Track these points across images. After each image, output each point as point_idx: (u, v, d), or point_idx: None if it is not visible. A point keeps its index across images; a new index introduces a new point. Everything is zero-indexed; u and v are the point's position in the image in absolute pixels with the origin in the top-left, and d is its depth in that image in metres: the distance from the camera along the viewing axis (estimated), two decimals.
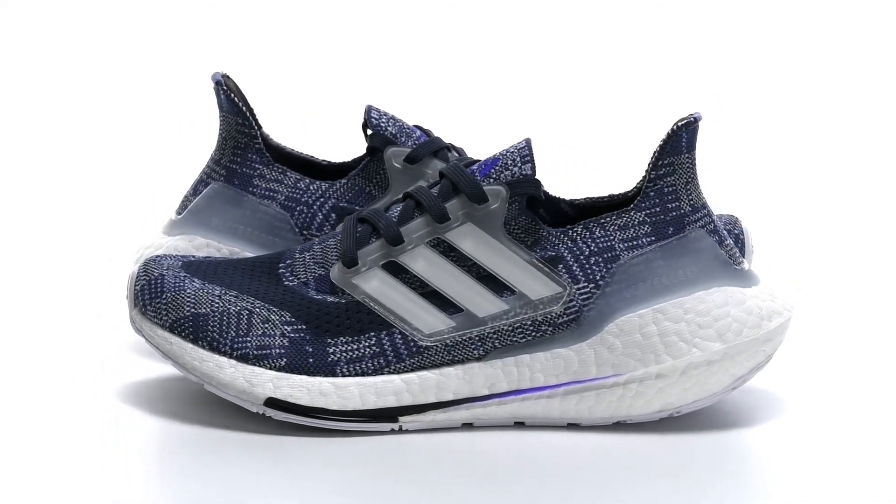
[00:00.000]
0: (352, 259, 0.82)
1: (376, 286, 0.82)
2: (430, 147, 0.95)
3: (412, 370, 0.82)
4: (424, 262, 0.82)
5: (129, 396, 0.87)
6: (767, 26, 1.64)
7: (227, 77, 0.98)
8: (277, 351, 0.82)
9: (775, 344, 0.82)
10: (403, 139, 0.96)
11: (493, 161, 0.82)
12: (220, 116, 0.98)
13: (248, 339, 0.82)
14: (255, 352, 0.82)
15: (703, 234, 0.82)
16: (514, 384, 0.82)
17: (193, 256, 0.88)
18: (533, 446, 0.81)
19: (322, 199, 0.96)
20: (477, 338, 0.81)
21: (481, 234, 0.81)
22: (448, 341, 0.81)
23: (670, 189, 0.81)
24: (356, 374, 0.82)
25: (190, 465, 0.78)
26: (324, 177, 0.99)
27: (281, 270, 0.84)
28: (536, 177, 0.82)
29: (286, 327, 0.82)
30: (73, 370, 0.92)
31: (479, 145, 1.04)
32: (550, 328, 0.81)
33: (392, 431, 0.82)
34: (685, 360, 0.81)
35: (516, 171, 0.81)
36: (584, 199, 0.85)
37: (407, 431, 0.83)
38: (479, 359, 0.82)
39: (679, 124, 0.81)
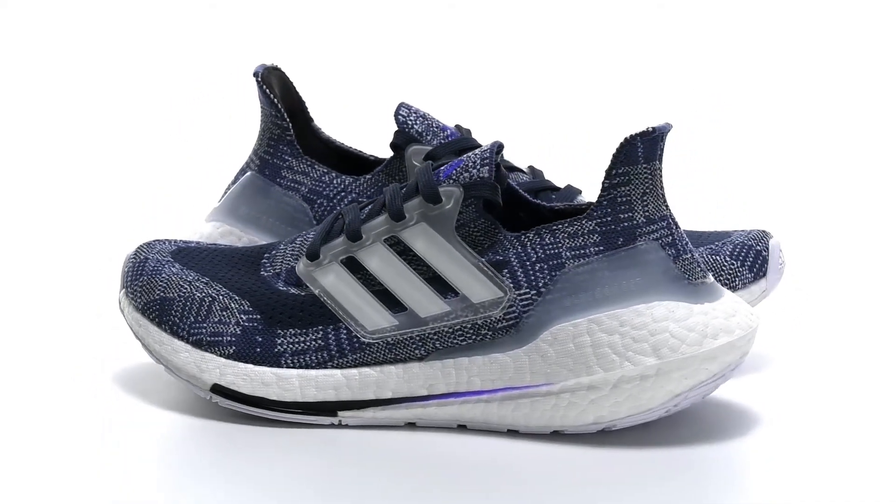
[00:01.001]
0: (314, 252, 0.84)
1: (332, 281, 0.83)
2: (452, 147, 0.95)
3: (354, 366, 0.82)
4: (378, 260, 0.82)
5: (129, 396, 0.88)
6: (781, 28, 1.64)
7: (275, 69, 1.00)
8: (228, 339, 0.83)
9: (723, 363, 0.79)
10: (430, 137, 0.96)
11: (458, 163, 0.83)
12: (260, 108, 1.00)
13: (205, 325, 0.84)
14: (209, 338, 0.84)
15: (656, 246, 0.80)
16: (453, 387, 0.82)
17: (196, 242, 0.91)
18: (471, 450, 0.81)
19: (343, 194, 0.97)
20: (418, 338, 0.81)
21: (433, 234, 0.81)
22: (390, 339, 0.82)
23: (624, 199, 0.80)
24: (299, 367, 0.83)
25: (189, 463, 0.79)
26: (360, 173, 1.01)
27: (263, 261, 0.86)
28: (493, 180, 0.81)
29: (242, 316, 0.84)
30: (74, 370, 0.94)
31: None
32: (490, 332, 0.81)
33: (332, 426, 0.83)
34: (617, 374, 0.79)
35: (475, 173, 0.81)
36: (565, 204, 0.85)
37: (347, 426, 0.83)
38: (420, 359, 0.82)
39: (634, 134, 0.80)
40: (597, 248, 0.80)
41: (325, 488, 0.76)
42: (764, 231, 0.94)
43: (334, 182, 0.97)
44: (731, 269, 0.92)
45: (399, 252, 0.82)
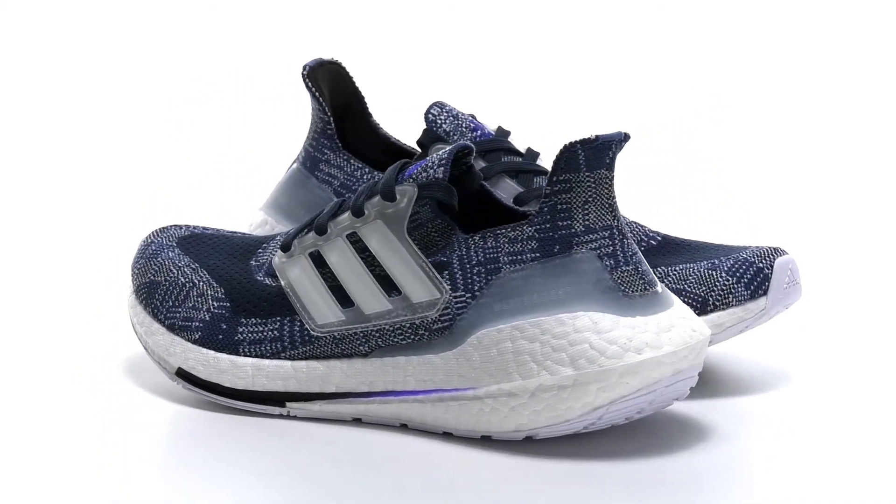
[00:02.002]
0: (287, 245, 0.86)
1: (296, 273, 0.85)
2: (476, 147, 0.95)
3: (303, 358, 0.84)
4: (338, 255, 0.83)
5: (128, 396, 0.89)
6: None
7: (330, 63, 1.00)
8: (196, 324, 0.86)
9: (648, 379, 0.77)
10: (456, 137, 0.96)
11: (422, 162, 0.83)
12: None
13: (180, 309, 0.87)
14: (180, 322, 0.87)
15: (592, 256, 0.78)
16: (391, 385, 0.82)
17: (214, 229, 0.94)
18: (407, 449, 0.81)
19: None
20: (362, 334, 0.82)
21: (386, 232, 0.82)
22: (336, 334, 0.83)
23: (564, 207, 0.78)
24: (255, 356, 0.85)
25: (187, 462, 0.81)
26: None
27: (259, 251, 0.88)
28: (447, 181, 0.81)
29: (214, 303, 0.86)
30: (73, 370, 0.94)
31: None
32: (427, 333, 0.80)
33: (281, 416, 0.85)
34: (535, 382, 0.77)
35: (431, 173, 0.81)
36: (539, 208, 0.84)
37: (295, 418, 0.84)
38: (364, 355, 0.82)
39: (574, 141, 0.78)
40: (533, 255, 0.78)
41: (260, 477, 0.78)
42: (776, 249, 0.90)
43: (365, 178, 0.98)
44: (725, 285, 0.88)
45: (357, 248, 0.83)
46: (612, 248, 0.78)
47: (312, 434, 0.83)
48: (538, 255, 0.78)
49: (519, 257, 0.79)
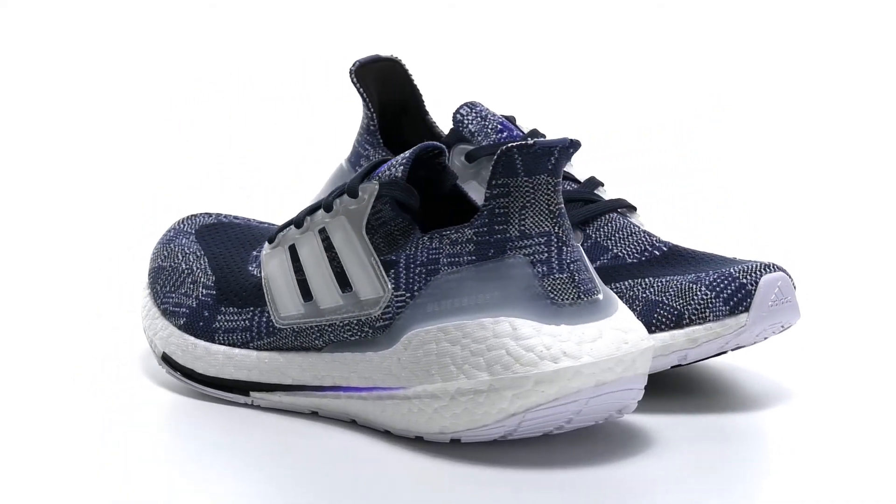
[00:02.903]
0: (272, 237, 0.88)
1: (273, 265, 0.86)
2: (492, 149, 0.94)
3: (267, 349, 0.85)
4: (307, 249, 0.85)
5: (129, 396, 0.90)
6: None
7: (386, 60, 1.01)
8: (183, 310, 0.89)
9: (566, 388, 0.75)
10: (480, 138, 0.95)
11: (391, 161, 0.83)
12: None
13: (174, 295, 0.90)
14: (172, 308, 0.90)
15: (523, 262, 0.77)
16: (338, 380, 0.83)
17: (244, 219, 0.97)
18: (349, 444, 0.82)
19: None
20: (317, 328, 0.83)
21: (348, 228, 0.83)
22: (296, 327, 0.84)
23: (501, 211, 0.78)
24: (227, 344, 0.87)
25: (189, 466, 0.81)
26: None
27: (266, 242, 0.91)
28: (405, 181, 0.81)
29: (203, 290, 0.89)
30: (73, 370, 0.95)
31: None
32: (371, 331, 0.81)
33: (246, 405, 0.87)
34: (454, 385, 0.77)
35: (392, 172, 0.82)
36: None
37: (258, 407, 0.86)
38: (318, 350, 0.83)
39: (511, 145, 0.77)
40: (469, 258, 0.78)
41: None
42: (768, 265, 0.86)
43: None
44: (703, 299, 0.85)
45: (325, 244, 0.84)
46: (546, 254, 0.77)
47: (270, 424, 0.84)
48: (474, 258, 0.78)
49: (456, 259, 0.78)
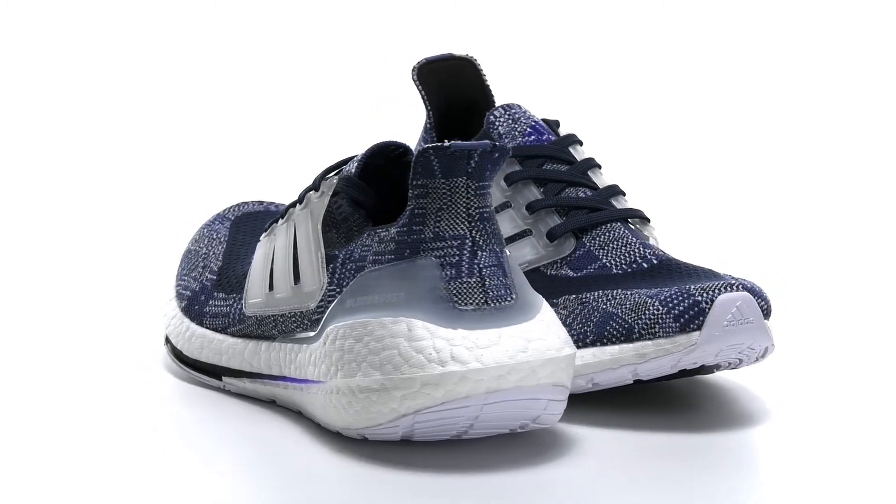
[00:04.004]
0: (269, 227, 0.90)
1: (259, 254, 0.89)
2: (514, 152, 0.93)
3: (239, 336, 0.88)
4: (282, 239, 0.87)
5: (134, 377, 0.94)
6: None
7: (456, 59, 1.00)
8: (188, 294, 0.93)
9: (454, 393, 0.74)
10: (506, 140, 0.95)
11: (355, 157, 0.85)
12: None
13: (185, 278, 0.94)
14: (181, 290, 0.94)
15: (434, 264, 0.77)
16: (283, 370, 0.84)
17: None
18: (286, 434, 0.83)
19: None
20: (272, 318, 0.85)
21: (308, 221, 0.85)
22: (259, 315, 0.86)
23: (420, 211, 0.78)
24: (210, 328, 0.90)
25: (194, 462, 0.82)
26: None
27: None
28: (357, 178, 0.83)
29: (207, 275, 0.93)
30: (87, 369, 0.97)
31: None
32: (309, 323, 0.82)
33: (219, 389, 0.90)
34: (354, 382, 0.77)
35: (348, 169, 0.83)
36: None
37: (229, 392, 0.89)
38: (272, 339, 0.85)
39: (428, 147, 0.77)
40: (389, 256, 0.79)
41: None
42: (733, 284, 0.83)
43: None
44: (654, 314, 0.82)
45: (294, 235, 0.86)
46: (457, 258, 0.77)
47: (232, 409, 0.87)
48: (392, 257, 0.78)
49: (379, 258, 0.79)
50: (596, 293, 0.86)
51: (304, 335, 0.83)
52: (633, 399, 0.88)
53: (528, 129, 0.94)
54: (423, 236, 0.77)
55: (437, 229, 0.77)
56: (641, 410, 0.87)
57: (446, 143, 0.77)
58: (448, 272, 0.77)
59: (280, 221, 0.88)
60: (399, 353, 0.76)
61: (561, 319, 0.85)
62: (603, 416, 0.85)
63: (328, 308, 0.81)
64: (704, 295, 0.82)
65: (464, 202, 0.78)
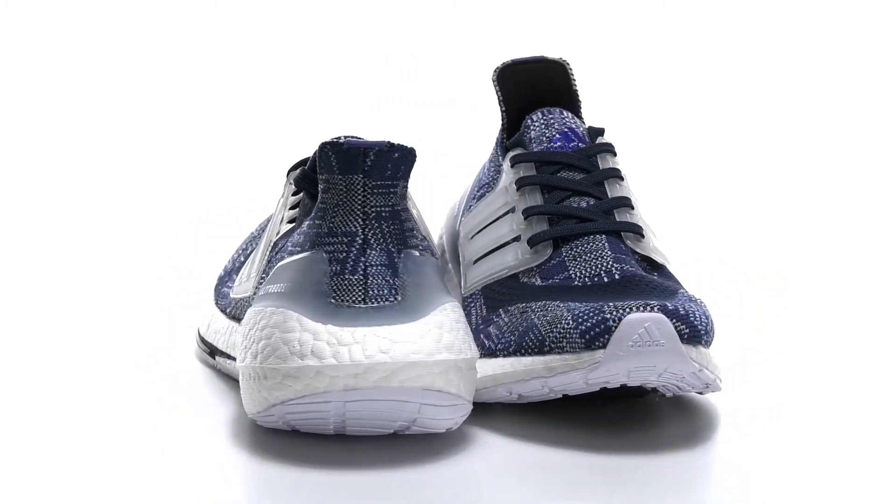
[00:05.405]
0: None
1: (263, 242, 0.93)
2: (530, 157, 0.92)
3: (230, 318, 0.92)
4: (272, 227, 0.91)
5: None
6: None
7: (544, 61, 1.00)
8: (221, 274, 0.99)
9: (310, 387, 0.75)
10: (533, 145, 0.94)
11: None
12: None
13: (228, 262, 1.00)
14: (222, 273, 0.99)
15: (322, 259, 0.78)
16: (234, 351, 0.88)
17: None
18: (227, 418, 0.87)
19: None
20: (238, 301, 0.89)
21: (279, 211, 0.89)
22: (236, 299, 0.90)
23: (322, 206, 0.80)
24: (220, 309, 0.95)
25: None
26: None
27: None
28: (302, 175, 0.86)
29: (240, 258, 0.98)
30: (87, 368, 0.97)
31: None
32: (248, 307, 0.85)
33: (213, 368, 0.94)
34: (243, 367, 0.79)
35: (303, 167, 0.87)
36: None
37: (220, 372, 0.93)
38: (239, 321, 0.89)
39: (325, 142, 0.79)
40: (296, 248, 0.81)
41: None
42: (654, 304, 0.79)
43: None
44: (564, 329, 0.80)
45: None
46: (345, 254, 0.78)
47: (214, 387, 0.92)
48: (298, 249, 0.81)
49: (292, 249, 0.81)
50: (537, 303, 0.84)
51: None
52: (564, 414, 0.86)
53: (557, 135, 0.93)
54: (321, 231, 0.79)
55: (331, 225, 0.79)
56: (568, 426, 0.85)
57: (341, 139, 0.79)
58: (334, 268, 0.78)
59: None
60: (270, 344, 0.78)
61: (502, 327, 0.85)
62: (523, 427, 0.84)
63: (255, 295, 0.84)
64: (615, 313, 0.79)
65: (360, 199, 0.79)
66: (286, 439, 0.80)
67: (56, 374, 0.95)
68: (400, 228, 0.79)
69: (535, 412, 0.85)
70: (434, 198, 1.00)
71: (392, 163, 0.78)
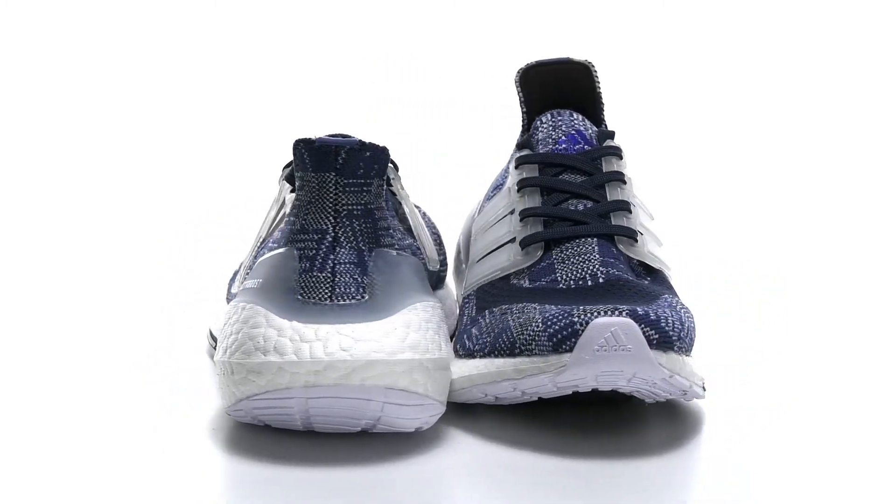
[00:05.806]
0: None
1: None
2: (533, 159, 0.92)
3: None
4: None
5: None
6: None
7: (568, 63, 1.00)
8: (237, 269, 1.00)
9: (273, 383, 0.76)
10: (539, 147, 0.94)
11: None
12: None
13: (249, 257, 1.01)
14: (236, 270, 1.00)
15: (293, 255, 0.79)
16: None
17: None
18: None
19: None
20: (235, 296, 0.90)
21: (271, 208, 0.90)
22: (234, 293, 0.92)
23: (297, 203, 0.80)
24: (228, 301, 0.96)
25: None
26: None
27: None
28: (286, 174, 0.87)
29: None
30: (86, 368, 0.98)
31: None
32: None
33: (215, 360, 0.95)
34: (216, 361, 0.80)
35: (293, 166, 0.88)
36: None
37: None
38: None
39: (299, 139, 0.79)
40: (274, 244, 0.82)
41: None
42: (632, 309, 0.78)
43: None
44: (534, 332, 0.79)
45: None
46: (314, 252, 0.79)
47: (215, 388, 0.93)
48: (276, 245, 0.82)
49: (272, 245, 0.82)
50: (518, 305, 0.84)
51: None
52: (541, 417, 0.85)
53: (563, 137, 0.93)
54: (294, 227, 0.80)
55: (304, 222, 0.80)
56: (543, 429, 0.84)
57: (312, 138, 0.79)
58: (303, 265, 0.79)
59: None
60: (238, 340, 0.78)
61: (483, 328, 0.84)
62: (498, 429, 0.84)
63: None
64: (583, 317, 0.78)
65: (332, 197, 0.79)
66: (287, 439, 0.81)
67: (56, 373, 0.96)
68: (373, 227, 0.79)
69: (512, 414, 0.85)
70: (434, 198, 1.00)
71: (364, 161, 0.79)
